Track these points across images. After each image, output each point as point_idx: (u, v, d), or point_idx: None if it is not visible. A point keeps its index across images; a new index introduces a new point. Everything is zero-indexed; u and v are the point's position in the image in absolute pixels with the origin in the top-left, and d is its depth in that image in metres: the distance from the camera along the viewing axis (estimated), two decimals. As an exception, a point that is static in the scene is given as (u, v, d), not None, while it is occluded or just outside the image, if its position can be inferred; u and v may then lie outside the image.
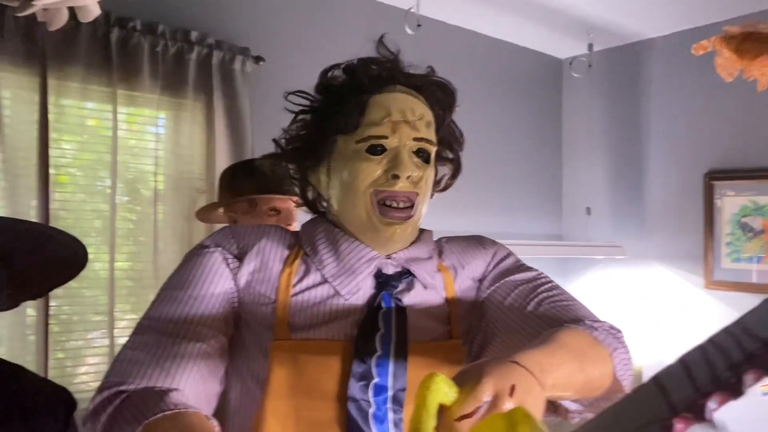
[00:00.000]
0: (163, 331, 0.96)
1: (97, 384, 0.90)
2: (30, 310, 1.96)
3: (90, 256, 1.38)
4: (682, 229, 2.54)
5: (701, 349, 0.46)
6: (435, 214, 2.60)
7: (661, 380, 0.48)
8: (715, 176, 2.46)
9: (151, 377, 0.89)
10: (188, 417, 0.83)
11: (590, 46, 2.64)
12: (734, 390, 0.44)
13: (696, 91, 2.60)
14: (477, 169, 2.97)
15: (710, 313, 2.44)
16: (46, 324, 1.96)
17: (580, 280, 2.89)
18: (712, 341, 0.46)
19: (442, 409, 0.66)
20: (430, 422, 0.62)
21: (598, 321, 1.04)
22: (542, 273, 1.14)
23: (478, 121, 2.99)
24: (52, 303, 2.00)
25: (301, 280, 1.03)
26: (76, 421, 1.32)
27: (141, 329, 0.98)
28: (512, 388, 0.71)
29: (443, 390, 0.65)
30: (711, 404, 0.42)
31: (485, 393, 0.67)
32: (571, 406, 0.97)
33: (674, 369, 0.48)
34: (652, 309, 2.61)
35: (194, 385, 0.92)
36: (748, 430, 2.26)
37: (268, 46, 2.33)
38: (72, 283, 1.94)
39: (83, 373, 2.11)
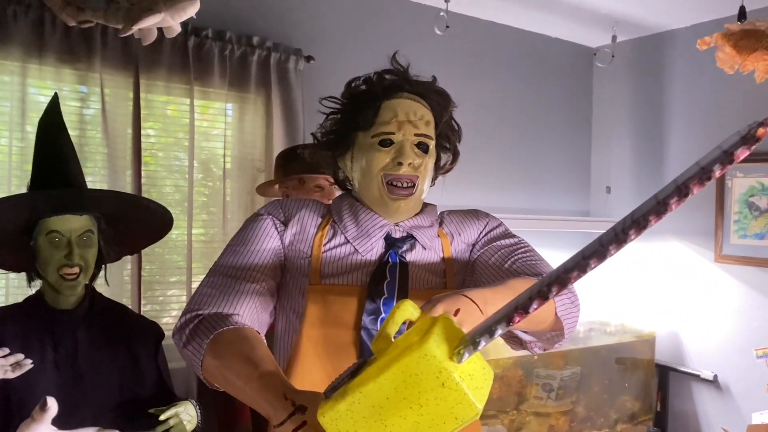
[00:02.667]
0: (227, 275, 1.21)
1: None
2: (126, 272, 2.29)
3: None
4: (695, 207, 2.70)
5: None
6: (474, 190, 2.84)
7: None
8: (727, 158, 2.61)
9: (219, 306, 1.16)
10: (246, 330, 1.12)
11: (614, 38, 2.80)
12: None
13: (713, 79, 2.73)
14: (512, 150, 3.15)
15: (719, 284, 2.62)
16: (139, 281, 2.30)
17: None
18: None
19: (409, 324, 0.82)
20: (393, 328, 0.77)
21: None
22: (523, 240, 1.38)
23: (513, 106, 3.17)
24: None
25: (329, 240, 1.28)
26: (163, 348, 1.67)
27: (211, 273, 1.24)
28: (457, 311, 0.97)
29: (409, 310, 0.80)
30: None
31: (436, 312, 0.83)
32: (525, 336, 1.23)
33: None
34: (666, 280, 2.79)
35: (251, 314, 1.20)
36: (746, 390, 2.46)
37: (317, 46, 2.57)
38: (156, 249, 2.32)
39: (164, 323, 2.33)
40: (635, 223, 0.62)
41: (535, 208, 3.14)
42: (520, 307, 0.70)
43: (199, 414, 1.55)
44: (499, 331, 0.71)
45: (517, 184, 3.13)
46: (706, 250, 2.68)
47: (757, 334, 2.46)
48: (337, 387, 0.81)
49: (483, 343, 0.73)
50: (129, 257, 2.25)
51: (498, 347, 2.44)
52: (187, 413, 1.50)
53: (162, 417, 1.46)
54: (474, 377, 0.76)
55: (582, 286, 1.28)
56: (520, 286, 0.98)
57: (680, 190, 0.62)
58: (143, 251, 2.27)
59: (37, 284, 1.59)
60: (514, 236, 1.39)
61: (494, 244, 1.37)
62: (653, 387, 2.78)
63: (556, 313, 1.17)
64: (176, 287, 2.48)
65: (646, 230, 0.62)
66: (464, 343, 0.74)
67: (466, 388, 0.73)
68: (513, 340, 1.28)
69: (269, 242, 1.31)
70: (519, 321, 0.71)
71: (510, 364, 2.45)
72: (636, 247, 2.92)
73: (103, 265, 1.63)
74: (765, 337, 2.43)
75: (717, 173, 0.59)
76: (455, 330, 0.77)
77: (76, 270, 1.50)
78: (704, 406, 2.67)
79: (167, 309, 2.49)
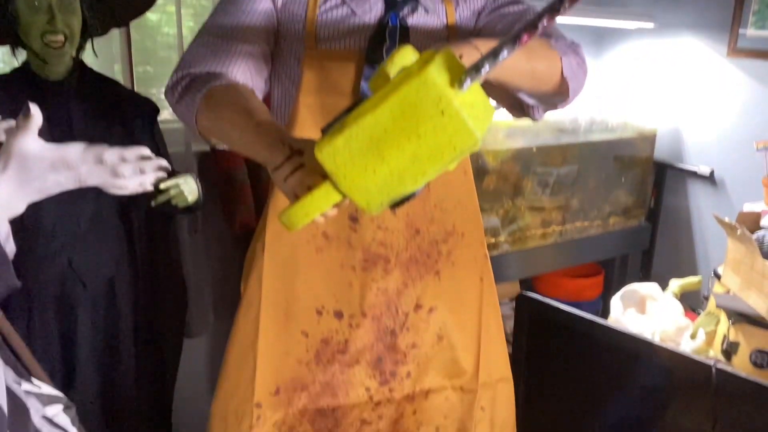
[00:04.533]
0: (218, 35, 1.18)
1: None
2: (117, 66, 2.19)
3: (160, 18, 1.60)
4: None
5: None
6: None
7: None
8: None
9: (211, 65, 1.16)
10: (239, 86, 1.12)
11: None
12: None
13: None
14: None
15: (728, 80, 2.56)
16: (132, 78, 2.20)
17: (614, 49, 2.98)
18: None
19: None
20: (393, 69, 0.75)
21: (563, 38, 1.23)
22: (533, 7, 1.33)
23: None
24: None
25: (325, 1, 1.26)
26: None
27: (200, 35, 1.22)
28: (461, 55, 0.95)
29: (410, 54, 0.77)
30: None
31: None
32: (528, 100, 1.21)
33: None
34: (675, 76, 2.73)
35: (244, 75, 1.18)
36: (741, 184, 2.50)
37: None
38: (147, 44, 2.21)
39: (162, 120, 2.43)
40: None
41: None
42: (529, 26, 0.66)
43: (199, 188, 1.57)
44: (505, 53, 0.67)
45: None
46: (719, 44, 2.58)
47: (760, 128, 2.44)
48: (334, 124, 0.79)
49: (486, 68, 0.69)
50: (119, 53, 2.17)
51: (496, 141, 2.43)
52: (187, 184, 1.52)
53: (162, 186, 1.48)
54: (475, 107, 0.73)
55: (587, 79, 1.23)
56: (529, 43, 0.98)
57: None
58: (133, 48, 2.18)
59: (22, 57, 1.53)
60: (523, 3, 1.34)
61: (502, 10, 1.33)
62: (649, 183, 2.82)
63: (562, 73, 1.15)
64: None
65: None
66: (466, 71, 0.71)
67: (466, 116, 0.71)
68: (515, 106, 1.27)
69: (261, 3, 1.27)
70: (527, 41, 0.67)
71: (507, 158, 2.46)
72: (645, 41, 2.82)
73: (90, 39, 1.56)
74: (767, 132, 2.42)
75: None
76: (457, 63, 0.74)
77: (61, 38, 1.44)
78: (697, 201, 2.73)
79: (164, 106, 2.45)
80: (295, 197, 0.85)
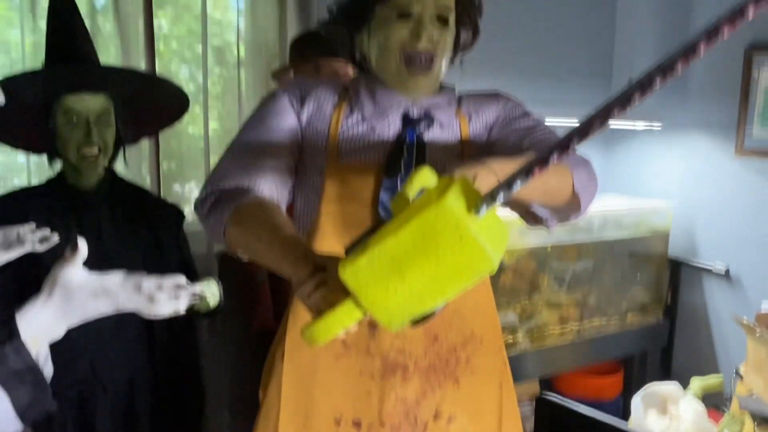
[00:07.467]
0: (246, 151, 1.24)
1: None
2: (144, 167, 2.32)
3: (186, 118, 1.71)
4: (718, 100, 2.64)
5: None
6: (491, 77, 2.79)
7: None
8: (755, 48, 2.54)
9: (240, 180, 1.20)
10: (266, 201, 1.16)
11: None
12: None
13: None
14: (531, 37, 3.05)
15: (738, 178, 2.61)
16: (158, 176, 2.33)
17: (623, 149, 3.06)
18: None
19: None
20: (412, 191, 0.80)
21: (573, 152, 1.28)
22: (543, 122, 1.39)
23: None
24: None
25: (347, 118, 1.29)
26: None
27: (230, 150, 1.27)
28: (475, 176, 0.99)
29: (428, 175, 0.81)
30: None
31: (455, 176, 0.82)
32: (541, 211, 1.25)
33: None
34: (685, 174, 2.78)
35: (270, 189, 1.23)
36: (758, 281, 2.48)
37: None
38: (173, 144, 2.32)
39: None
40: (660, 70, 0.60)
41: (554, 98, 3.07)
42: (541, 160, 0.71)
43: (220, 291, 1.61)
44: (518, 184, 0.72)
45: (536, 72, 3.05)
46: (727, 144, 2.65)
47: (773, 227, 2.47)
48: (357, 244, 0.83)
49: (501, 197, 0.74)
50: (147, 152, 2.27)
51: (512, 238, 2.47)
52: (209, 289, 1.56)
53: (185, 292, 1.51)
54: (491, 232, 0.77)
55: (599, 177, 1.28)
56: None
57: (709, 34, 0.61)
58: (161, 146, 2.30)
59: (58, 167, 1.61)
60: (534, 118, 1.39)
61: (513, 125, 1.38)
62: (665, 280, 2.82)
63: (573, 187, 1.18)
64: (194, 182, 2.51)
65: (671, 76, 0.60)
66: (482, 198, 0.75)
67: (482, 241, 0.75)
68: (529, 216, 1.30)
69: (287, 120, 1.33)
70: (538, 173, 0.71)
71: (524, 256, 2.48)
72: (655, 141, 2.89)
73: (122, 147, 1.65)
74: (780, 231, 2.44)
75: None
76: (473, 189, 0.79)
77: (96, 150, 1.52)
78: (714, 299, 2.72)
79: (187, 203, 2.51)
80: (318, 313, 0.88)
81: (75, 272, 0.72)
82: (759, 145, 2.54)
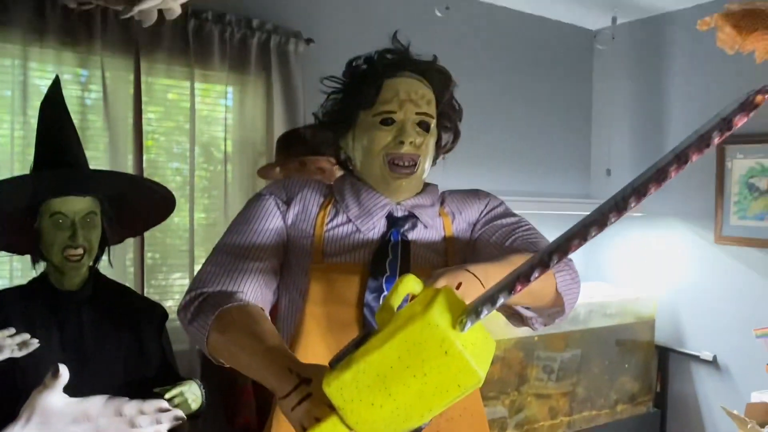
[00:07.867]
0: (231, 254, 1.22)
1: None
2: (128, 258, 2.30)
3: None
4: (695, 189, 2.71)
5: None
6: (474, 172, 2.85)
7: None
8: (727, 140, 2.63)
9: (224, 284, 1.18)
10: (251, 307, 1.13)
11: (614, 20, 2.79)
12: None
13: (713, 61, 2.73)
14: (512, 133, 3.16)
15: (719, 266, 2.64)
16: (142, 267, 2.31)
17: (603, 235, 3.09)
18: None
19: (411, 298, 0.82)
20: (397, 300, 0.79)
21: None
22: (524, 219, 1.39)
23: (513, 89, 3.17)
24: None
25: (332, 219, 1.29)
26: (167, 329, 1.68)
27: (215, 253, 1.26)
28: (459, 284, 0.99)
29: (412, 283, 0.81)
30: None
31: (439, 285, 0.85)
32: (526, 312, 1.25)
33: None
34: (666, 262, 2.81)
35: (254, 292, 1.21)
36: (746, 370, 2.48)
37: (316, 29, 2.57)
38: (158, 234, 2.33)
39: (168, 307, 2.42)
40: (635, 191, 0.63)
41: (535, 191, 3.15)
42: (522, 276, 0.72)
43: (203, 393, 1.57)
44: (501, 300, 0.73)
45: (517, 166, 3.14)
46: (706, 231, 2.70)
47: (757, 314, 2.48)
48: (342, 358, 0.82)
49: (485, 312, 0.74)
50: (131, 242, 2.26)
51: (499, 329, 2.45)
52: (191, 392, 1.52)
53: (167, 396, 1.48)
54: (476, 346, 0.77)
55: (582, 266, 1.30)
56: (520, 262, 0.97)
57: (679, 157, 0.63)
58: (146, 236, 2.29)
59: (41, 267, 1.60)
60: (515, 215, 1.40)
61: (495, 223, 1.38)
62: (653, 368, 2.80)
63: (557, 289, 1.18)
64: (179, 272, 2.50)
65: (645, 198, 0.62)
66: (467, 313, 0.76)
67: (468, 356, 0.75)
68: (514, 316, 1.29)
69: (272, 222, 1.32)
70: (520, 290, 0.72)
71: (511, 346, 2.46)
72: (636, 229, 2.94)
73: (107, 247, 1.64)
74: (764, 318, 2.45)
75: (716, 140, 0.60)
76: (457, 301, 0.79)
77: (80, 251, 1.51)
78: (704, 387, 2.70)
79: (170, 293, 2.50)
80: (302, 429, 0.86)
81: (54, 398, 0.71)
82: (736, 233, 2.59)
